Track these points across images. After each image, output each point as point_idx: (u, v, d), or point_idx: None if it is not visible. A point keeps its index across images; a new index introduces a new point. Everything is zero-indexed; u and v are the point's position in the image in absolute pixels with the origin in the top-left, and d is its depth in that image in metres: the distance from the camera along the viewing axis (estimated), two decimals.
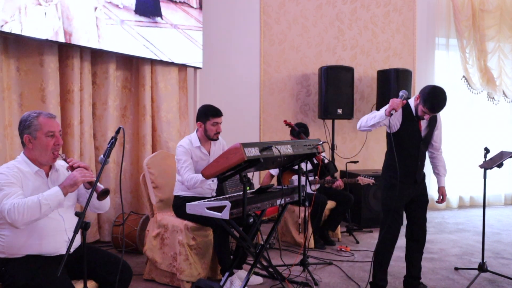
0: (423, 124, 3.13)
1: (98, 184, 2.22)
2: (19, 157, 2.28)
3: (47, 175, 2.30)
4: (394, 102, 2.88)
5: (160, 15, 4.53)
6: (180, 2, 4.72)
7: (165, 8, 4.58)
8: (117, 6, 4.14)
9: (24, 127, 2.23)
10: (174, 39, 4.67)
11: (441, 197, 3.31)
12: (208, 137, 3.52)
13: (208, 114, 3.48)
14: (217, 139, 3.57)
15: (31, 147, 2.24)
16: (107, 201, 2.41)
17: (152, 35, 4.46)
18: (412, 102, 3.10)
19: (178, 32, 4.69)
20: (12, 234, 2.16)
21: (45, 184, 2.26)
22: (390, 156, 3.08)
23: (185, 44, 4.80)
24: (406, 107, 3.07)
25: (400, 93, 3.01)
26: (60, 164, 2.38)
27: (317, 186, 4.60)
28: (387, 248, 3.16)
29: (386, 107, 2.93)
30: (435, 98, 2.92)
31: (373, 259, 3.20)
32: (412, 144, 3.09)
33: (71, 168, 2.19)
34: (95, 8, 3.94)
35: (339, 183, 4.45)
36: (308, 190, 4.41)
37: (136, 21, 4.32)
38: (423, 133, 3.13)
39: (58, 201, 2.11)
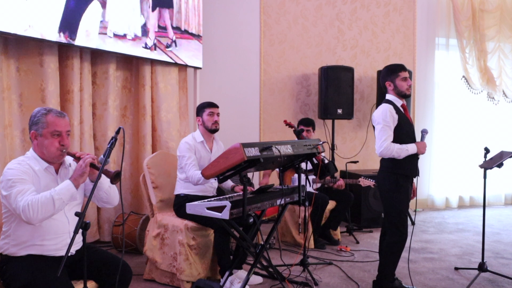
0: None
1: (108, 169, 2.21)
2: (29, 153, 2.25)
3: (57, 172, 2.28)
4: (424, 147, 3.06)
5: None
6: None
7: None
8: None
9: (32, 122, 2.21)
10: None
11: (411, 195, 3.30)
12: (207, 129, 3.58)
13: (203, 106, 3.62)
14: (216, 129, 3.60)
15: (36, 144, 2.22)
16: (116, 194, 2.39)
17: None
18: (391, 97, 3.13)
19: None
20: (17, 231, 2.15)
21: (54, 181, 2.24)
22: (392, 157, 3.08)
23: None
24: (393, 107, 3.07)
25: (422, 133, 3.14)
26: (70, 160, 2.35)
27: (318, 185, 4.59)
28: (398, 252, 3.16)
29: (414, 147, 3.02)
30: (393, 64, 3.18)
31: (382, 263, 3.21)
32: (409, 135, 3.11)
33: (78, 159, 2.18)
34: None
35: (341, 183, 4.46)
36: (309, 189, 4.42)
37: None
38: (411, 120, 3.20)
39: (71, 194, 2.09)
